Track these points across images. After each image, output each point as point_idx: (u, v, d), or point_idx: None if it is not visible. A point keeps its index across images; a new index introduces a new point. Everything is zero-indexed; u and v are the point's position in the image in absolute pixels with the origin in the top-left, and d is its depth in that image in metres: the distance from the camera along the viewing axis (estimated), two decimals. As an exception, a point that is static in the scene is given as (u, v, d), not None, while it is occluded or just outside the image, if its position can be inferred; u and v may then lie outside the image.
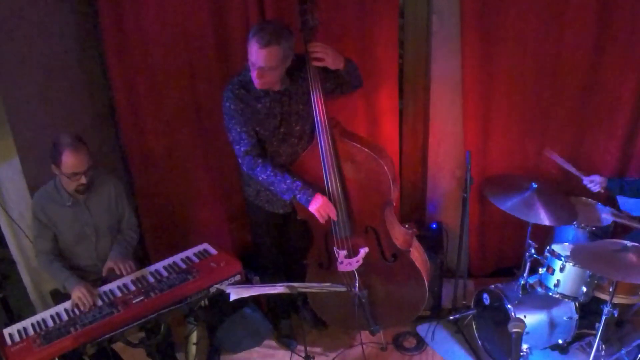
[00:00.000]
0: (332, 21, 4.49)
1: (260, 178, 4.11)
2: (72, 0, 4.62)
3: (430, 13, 4.70)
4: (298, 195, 4.07)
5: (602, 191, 4.59)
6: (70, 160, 3.83)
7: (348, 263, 4.36)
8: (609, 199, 4.88)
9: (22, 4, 4.19)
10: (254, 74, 3.83)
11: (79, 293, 3.85)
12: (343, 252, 4.35)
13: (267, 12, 4.44)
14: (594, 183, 4.56)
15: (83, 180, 3.92)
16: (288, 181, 4.06)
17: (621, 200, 4.77)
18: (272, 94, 4.02)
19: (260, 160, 4.07)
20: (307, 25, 3.89)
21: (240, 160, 4.13)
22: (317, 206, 4.05)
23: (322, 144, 4.05)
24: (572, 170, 4.68)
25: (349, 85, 4.24)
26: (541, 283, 4.35)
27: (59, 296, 4.22)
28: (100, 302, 3.89)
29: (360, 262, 4.36)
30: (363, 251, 4.35)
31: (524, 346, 4.26)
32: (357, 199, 4.24)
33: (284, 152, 4.23)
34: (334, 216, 4.12)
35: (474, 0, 4.42)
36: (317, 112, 4.00)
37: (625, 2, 4.38)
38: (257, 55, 3.71)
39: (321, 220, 4.10)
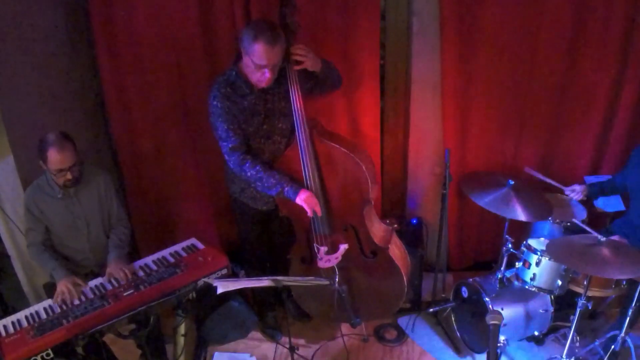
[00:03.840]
0: (316, 23, 4.44)
1: (248, 174, 4.03)
2: (64, 2, 4.55)
3: (410, 15, 4.67)
4: (286, 189, 4.02)
5: (585, 198, 4.57)
6: (55, 158, 3.77)
7: (327, 259, 4.31)
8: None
9: (14, 7, 4.13)
10: (264, 76, 3.78)
11: (63, 287, 3.83)
12: (323, 249, 4.29)
13: (253, 14, 4.37)
14: (576, 192, 4.57)
15: (69, 175, 3.86)
16: (277, 176, 4.02)
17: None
18: (257, 91, 3.96)
19: (248, 157, 4.02)
20: (287, 29, 3.84)
21: (227, 157, 4.06)
22: (305, 197, 4.01)
23: (301, 144, 3.99)
24: (553, 183, 4.65)
25: (325, 86, 4.19)
26: (518, 277, 4.33)
27: (52, 289, 4.11)
28: (90, 295, 3.85)
29: (340, 258, 4.31)
30: (342, 248, 4.29)
31: (501, 337, 4.26)
32: (336, 197, 4.19)
33: (267, 149, 4.16)
34: (318, 211, 4.06)
35: (453, 3, 4.38)
36: (296, 112, 3.96)
37: (599, 6, 4.36)
38: (268, 54, 3.65)
39: (309, 213, 4.05)
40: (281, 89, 4.02)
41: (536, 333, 4.47)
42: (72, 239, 4.17)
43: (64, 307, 3.75)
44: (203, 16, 4.46)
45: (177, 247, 4.33)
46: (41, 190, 4.02)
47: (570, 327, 4.07)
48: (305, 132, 3.96)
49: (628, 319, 3.95)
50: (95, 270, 4.22)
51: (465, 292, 4.55)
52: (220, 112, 3.93)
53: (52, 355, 3.47)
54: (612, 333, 4.16)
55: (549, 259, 4.12)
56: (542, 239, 4.41)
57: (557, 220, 4.50)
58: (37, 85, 4.38)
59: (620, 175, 4.48)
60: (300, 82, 3.93)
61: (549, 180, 4.67)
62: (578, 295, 4.00)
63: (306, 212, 4.04)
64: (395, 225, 4.58)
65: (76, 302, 3.79)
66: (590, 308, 4.02)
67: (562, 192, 4.65)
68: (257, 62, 3.70)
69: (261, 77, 3.80)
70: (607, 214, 4.79)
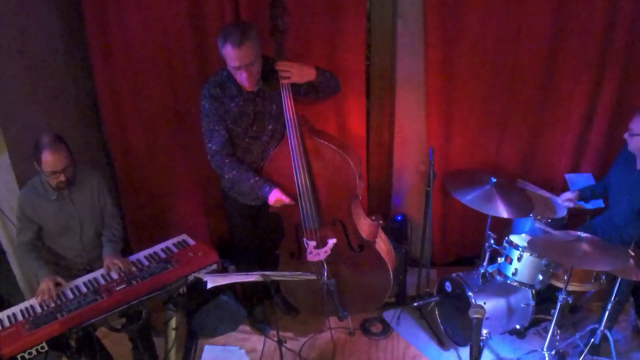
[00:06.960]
0: (303, 25, 4.37)
1: (227, 176, 4.10)
2: (58, 5, 4.54)
3: (395, 17, 4.60)
4: (259, 194, 4.09)
5: (575, 204, 4.52)
6: (48, 160, 3.72)
7: (317, 253, 4.29)
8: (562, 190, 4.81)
9: (10, 9, 4.10)
10: (242, 77, 3.77)
11: (44, 286, 3.79)
12: (312, 243, 4.26)
13: (243, 16, 4.31)
14: (567, 200, 4.48)
15: (62, 178, 3.81)
16: (251, 180, 4.05)
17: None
18: (246, 93, 3.92)
19: (227, 161, 4.05)
20: (278, 29, 3.81)
21: (209, 157, 4.09)
22: (273, 200, 4.07)
23: (292, 141, 3.96)
24: (545, 193, 4.62)
25: (320, 92, 4.17)
26: (500, 272, 4.32)
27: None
28: (84, 289, 3.83)
29: (329, 252, 4.28)
30: (331, 242, 4.26)
31: (484, 331, 4.24)
32: (325, 193, 4.16)
33: (255, 149, 4.13)
34: (287, 201, 4.09)
35: (436, 6, 4.32)
36: (287, 110, 3.91)
37: (578, 9, 4.33)
38: (236, 55, 3.63)
39: (285, 201, 4.08)
40: (272, 92, 3.98)
41: (518, 326, 4.45)
42: (65, 238, 4.11)
43: (58, 302, 3.71)
44: (193, 19, 4.43)
45: (169, 243, 4.31)
46: (35, 191, 3.97)
47: (551, 321, 4.07)
48: (295, 130, 3.93)
49: (607, 312, 3.95)
50: (87, 268, 4.16)
51: (448, 286, 4.53)
52: (207, 112, 3.93)
53: (46, 349, 3.46)
54: (591, 327, 4.16)
55: (531, 255, 4.10)
56: (524, 235, 4.40)
57: (538, 217, 4.45)
58: (32, 86, 4.36)
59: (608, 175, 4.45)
60: (292, 84, 3.91)
61: (540, 192, 4.64)
62: (559, 289, 3.99)
63: (295, 208, 4.10)
64: (381, 222, 4.53)
65: (70, 296, 3.75)
66: (570, 302, 4.04)
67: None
68: (230, 64, 3.72)
69: (240, 79, 3.78)
70: (587, 211, 4.74)
